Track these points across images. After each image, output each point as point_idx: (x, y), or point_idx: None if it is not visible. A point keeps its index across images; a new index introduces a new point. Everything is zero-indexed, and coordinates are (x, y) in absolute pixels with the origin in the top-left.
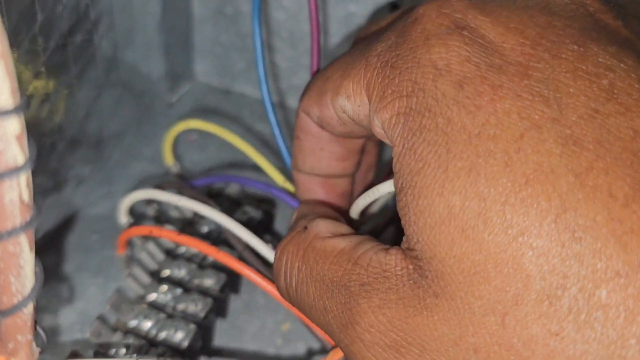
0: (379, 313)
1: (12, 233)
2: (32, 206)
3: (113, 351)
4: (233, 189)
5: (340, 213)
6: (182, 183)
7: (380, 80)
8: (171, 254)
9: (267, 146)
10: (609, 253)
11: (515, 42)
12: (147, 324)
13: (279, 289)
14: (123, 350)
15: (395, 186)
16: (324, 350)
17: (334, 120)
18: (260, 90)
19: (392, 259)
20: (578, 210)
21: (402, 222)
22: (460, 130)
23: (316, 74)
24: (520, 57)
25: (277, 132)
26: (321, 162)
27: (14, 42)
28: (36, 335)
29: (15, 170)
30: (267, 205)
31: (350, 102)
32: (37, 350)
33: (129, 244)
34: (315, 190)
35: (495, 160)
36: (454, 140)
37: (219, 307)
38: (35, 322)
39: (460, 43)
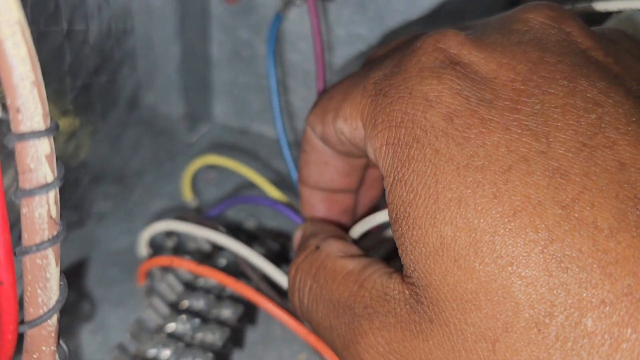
0: (378, 335)
1: (40, 247)
2: (59, 222)
3: None
4: (251, 223)
5: (342, 229)
6: (201, 216)
7: (373, 107)
8: (190, 286)
9: (282, 183)
10: (594, 282)
11: (507, 78)
12: (165, 353)
13: (292, 304)
14: None
15: (390, 216)
16: None
17: (334, 139)
18: (275, 126)
19: (392, 283)
20: (565, 241)
21: (399, 251)
22: (448, 162)
23: (324, 91)
24: (511, 93)
25: (291, 166)
26: (325, 176)
27: (44, 80)
28: (59, 348)
29: (45, 188)
30: (283, 238)
31: (347, 125)
32: None
33: (149, 275)
34: (319, 205)
35: (483, 191)
36: (442, 172)
37: (236, 337)
38: (59, 337)
39: (452, 77)
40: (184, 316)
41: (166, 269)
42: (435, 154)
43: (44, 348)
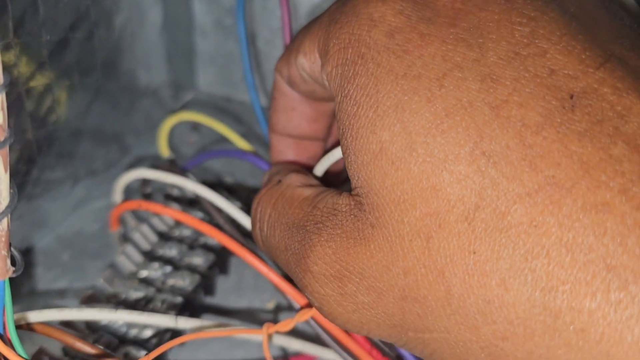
0: (325, 246)
1: None
2: (6, 129)
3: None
4: (228, 179)
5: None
6: (175, 166)
7: (326, 36)
8: (163, 236)
9: (264, 146)
10: (520, 175)
11: None
12: (137, 295)
13: (254, 236)
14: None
15: (338, 134)
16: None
17: (297, 78)
18: (247, 85)
19: (341, 199)
20: (493, 138)
21: (346, 164)
22: (388, 73)
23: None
24: (450, 11)
25: (263, 124)
26: (292, 122)
27: (18, 33)
28: (11, 254)
29: None
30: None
31: (307, 59)
32: (11, 268)
33: (124, 224)
34: (287, 151)
35: (419, 97)
36: (382, 82)
37: (207, 285)
38: (10, 243)
39: None
40: (156, 263)
41: (140, 219)
42: (377, 67)
43: None
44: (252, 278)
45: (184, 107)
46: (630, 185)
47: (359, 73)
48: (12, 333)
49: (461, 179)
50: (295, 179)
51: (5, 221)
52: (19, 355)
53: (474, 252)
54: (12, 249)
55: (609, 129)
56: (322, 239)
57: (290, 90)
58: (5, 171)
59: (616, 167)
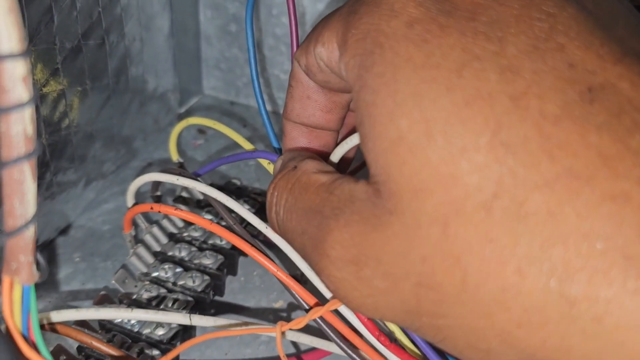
0: (343, 231)
1: (17, 161)
2: (34, 140)
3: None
4: (235, 182)
5: None
6: (185, 169)
7: (345, 26)
8: (173, 238)
9: (270, 148)
10: (538, 165)
11: None
12: (149, 295)
13: (269, 220)
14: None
15: (356, 123)
16: None
17: (314, 67)
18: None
19: (358, 186)
20: (512, 129)
21: (364, 153)
22: (407, 61)
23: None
24: (469, 5)
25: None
26: (307, 111)
27: (34, 42)
28: (37, 261)
29: (21, 107)
30: (265, 197)
31: (325, 49)
32: (37, 273)
33: (136, 227)
34: (300, 139)
35: (437, 85)
36: (401, 70)
37: (216, 285)
38: (36, 251)
39: None
40: (166, 265)
41: (151, 222)
42: (396, 56)
43: (22, 258)
44: (259, 279)
45: (190, 110)
46: None
47: (377, 62)
48: (37, 336)
49: (480, 168)
50: (311, 165)
51: (32, 229)
52: (43, 357)
53: (491, 240)
54: (37, 254)
55: (627, 121)
56: (340, 224)
57: (307, 79)
58: (34, 181)
59: (634, 159)
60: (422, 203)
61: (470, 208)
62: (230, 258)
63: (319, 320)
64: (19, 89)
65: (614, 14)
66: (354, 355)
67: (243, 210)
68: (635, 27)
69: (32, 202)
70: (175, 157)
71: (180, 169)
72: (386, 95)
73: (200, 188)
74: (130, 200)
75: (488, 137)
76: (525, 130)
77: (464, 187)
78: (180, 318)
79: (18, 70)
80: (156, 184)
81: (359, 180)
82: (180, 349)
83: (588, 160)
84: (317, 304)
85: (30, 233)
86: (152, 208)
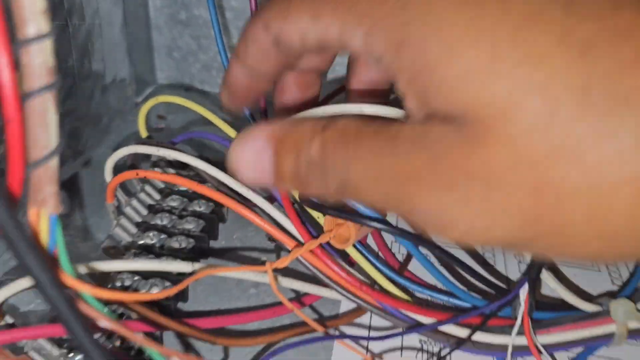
0: (436, 162)
1: (41, 92)
2: (55, 73)
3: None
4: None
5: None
6: (161, 141)
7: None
8: (153, 210)
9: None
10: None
11: None
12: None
13: (321, 183)
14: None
15: (402, 81)
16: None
17: (294, 40)
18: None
19: (428, 124)
20: (577, 29)
21: (420, 100)
22: (447, 4)
23: None
24: None
25: None
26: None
27: None
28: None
29: (42, 37)
30: None
31: (321, 22)
32: (61, 205)
33: (116, 197)
34: (242, 79)
35: (490, 5)
36: (444, 12)
37: (201, 248)
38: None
39: None
40: (151, 233)
41: (130, 195)
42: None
43: (47, 188)
44: (239, 242)
45: (147, 98)
46: None
47: (415, 14)
48: (65, 264)
49: (565, 67)
50: (351, 120)
51: (55, 160)
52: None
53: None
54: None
55: None
56: (428, 157)
57: (268, 42)
58: (56, 112)
59: None
60: (516, 116)
61: (569, 103)
62: (210, 222)
63: (300, 258)
64: (40, 20)
65: None
66: (343, 292)
67: (222, 174)
68: None
69: (55, 133)
70: (144, 133)
71: (157, 141)
72: (439, 39)
73: (180, 156)
74: (109, 176)
75: (557, 37)
76: (590, 24)
77: (554, 91)
78: (185, 266)
79: (39, 4)
80: (135, 158)
81: (423, 120)
82: (186, 283)
83: None
84: (297, 245)
85: (54, 164)
86: (137, 174)
